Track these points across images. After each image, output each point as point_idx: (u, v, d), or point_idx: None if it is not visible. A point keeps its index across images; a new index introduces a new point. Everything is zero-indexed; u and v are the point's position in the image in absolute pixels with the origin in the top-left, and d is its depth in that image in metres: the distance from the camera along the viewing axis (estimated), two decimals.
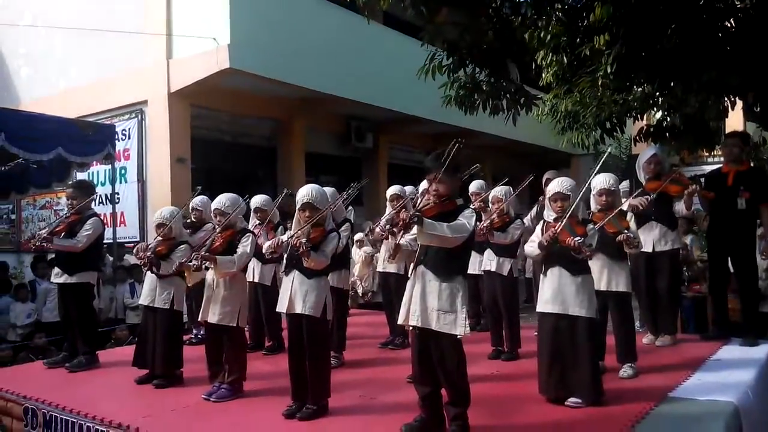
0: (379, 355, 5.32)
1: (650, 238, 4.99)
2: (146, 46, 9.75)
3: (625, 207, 4.41)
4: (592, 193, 4.33)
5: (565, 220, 3.53)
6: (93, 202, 5.38)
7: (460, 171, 3.34)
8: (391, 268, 5.30)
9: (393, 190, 5.19)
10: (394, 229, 3.10)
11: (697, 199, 5.27)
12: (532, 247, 3.76)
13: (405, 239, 3.34)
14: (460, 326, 3.07)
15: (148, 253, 4.34)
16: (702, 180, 5.46)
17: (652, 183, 5.00)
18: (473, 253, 4.99)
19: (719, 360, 4.58)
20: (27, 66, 11.90)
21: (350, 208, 5.42)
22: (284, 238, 3.63)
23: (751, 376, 4.10)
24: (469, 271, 5.06)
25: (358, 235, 8.06)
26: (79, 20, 10.24)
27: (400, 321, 3.28)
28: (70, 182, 7.40)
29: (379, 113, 12.04)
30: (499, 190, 4.96)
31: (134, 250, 4.54)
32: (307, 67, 9.89)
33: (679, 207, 5.01)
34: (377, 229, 4.13)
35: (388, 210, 4.98)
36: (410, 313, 3.18)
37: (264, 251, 3.73)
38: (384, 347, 5.44)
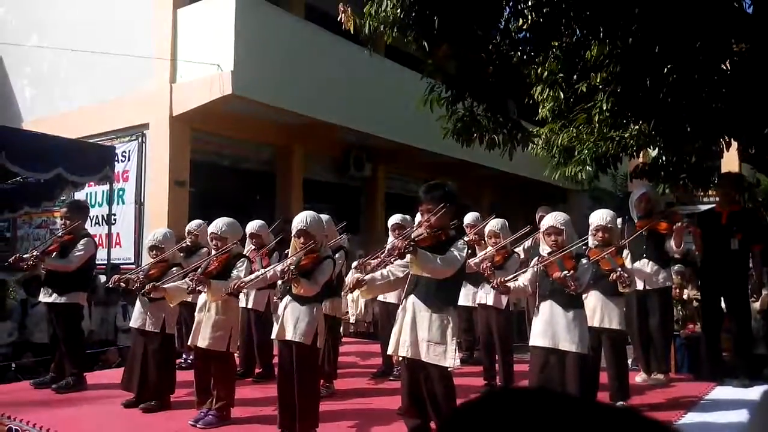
0: (371, 385, 5.26)
1: (641, 276, 4.99)
2: (150, 70, 9.86)
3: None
4: (590, 229, 4.34)
5: (557, 255, 3.55)
6: (87, 223, 5.37)
7: (453, 203, 3.36)
8: (391, 298, 5.17)
9: (395, 219, 5.15)
10: (391, 259, 3.11)
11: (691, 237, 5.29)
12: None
13: (376, 274, 3.35)
14: (450, 358, 3.06)
15: (140, 275, 4.32)
16: (696, 218, 5.48)
17: (643, 221, 5.02)
18: (469, 286, 4.99)
19: (712, 400, 4.55)
20: (31, 86, 12.02)
21: (344, 235, 5.41)
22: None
23: (744, 417, 4.08)
24: (464, 304, 5.05)
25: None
26: (84, 42, 10.36)
27: (389, 351, 3.27)
28: (65, 201, 7.39)
29: (378, 143, 12.12)
30: (495, 224, 4.85)
31: (111, 280, 4.50)
32: (309, 96, 9.99)
33: (670, 245, 5.02)
34: (373, 262, 4.13)
35: (390, 239, 4.94)
36: (400, 344, 3.17)
37: None
38: (376, 378, 5.38)
